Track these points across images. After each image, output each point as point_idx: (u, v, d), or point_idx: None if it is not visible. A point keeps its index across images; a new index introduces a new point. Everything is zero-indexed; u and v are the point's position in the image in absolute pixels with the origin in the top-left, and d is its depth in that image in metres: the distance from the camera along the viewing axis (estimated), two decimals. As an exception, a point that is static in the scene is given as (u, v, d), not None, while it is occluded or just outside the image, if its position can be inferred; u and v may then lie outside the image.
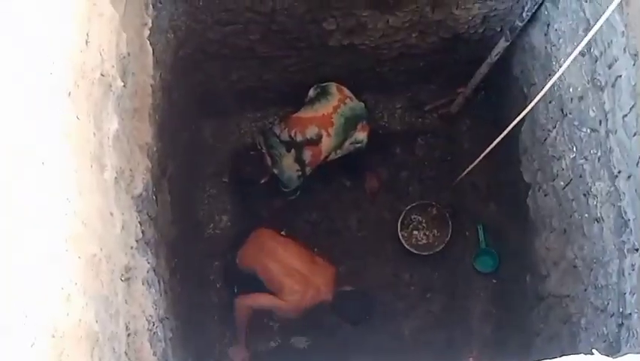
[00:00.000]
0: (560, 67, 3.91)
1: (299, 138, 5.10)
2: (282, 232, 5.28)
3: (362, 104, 5.31)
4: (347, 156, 5.32)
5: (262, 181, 5.22)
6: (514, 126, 4.70)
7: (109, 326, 2.37)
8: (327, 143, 5.14)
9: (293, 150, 5.10)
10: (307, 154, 5.11)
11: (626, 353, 1.50)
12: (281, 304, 4.91)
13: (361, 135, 5.28)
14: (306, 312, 4.98)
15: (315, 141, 5.11)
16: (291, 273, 4.93)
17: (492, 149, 4.45)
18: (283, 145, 5.11)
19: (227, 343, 5.29)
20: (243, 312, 5.06)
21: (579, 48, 3.35)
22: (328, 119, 5.14)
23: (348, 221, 5.84)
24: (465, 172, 5.03)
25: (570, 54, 3.79)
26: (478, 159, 4.62)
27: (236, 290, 5.22)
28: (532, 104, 3.79)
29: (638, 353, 1.53)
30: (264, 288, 4.98)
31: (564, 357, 1.49)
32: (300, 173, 5.15)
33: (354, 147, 5.29)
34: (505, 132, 4.11)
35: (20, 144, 1.90)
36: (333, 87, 5.22)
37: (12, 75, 1.98)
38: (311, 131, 5.10)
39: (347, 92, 5.25)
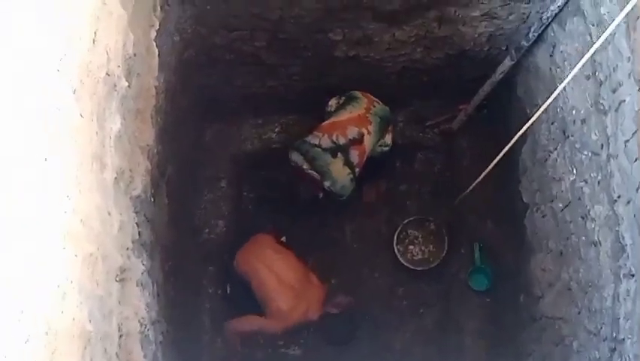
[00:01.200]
0: (565, 89, 3.94)
1: (342, 141, 5.01)
2: (283, 239, 5.28)
3: (387, 108, 5.30)
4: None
5: (320, 196, 5.12)
6: (515, 146, 4.73)
7: (102, 326, 2.37)
8: (368, 141, 5.10)
9: (339, 154, 4.99)
10: (354, 154, 5.02)
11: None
12: (267, 324, 4.92)
13: (389, 139, 5.30)
14: (292, 330, 4.98)
15: (359, 140, 5.05)
16: (283, 288, 4.93)
17: (492, 168, 4.46)
18: (327, 152, 4.99)
19: (218, 348, 5.26)
20: (232, 336, 5.14)
21: (579, 65, 3.36)
22: (365, 118, 5.11)
23: (344, 232, 5.83)
24: (467, 191, 5.03)
25: (575, 76, 3.82)
26: (480, 178, 4.62)
27: (228, 290, 5.21)
28: (533, 119, 3.81)
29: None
30: (254, 295, 4.98)
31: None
32: (351, 176, 5.03)
33: (382, 150, 5.29)
34: (505, 150, 4.12)
35: (24, 139, 1.89)
36: (358, 93, 5.21)
37: (18, 70, 1.98)
38: (352, 132, 5.04)
39: (371, 97, 5.25)
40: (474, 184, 4.79)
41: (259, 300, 4.96)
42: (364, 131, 5.07)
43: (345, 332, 4.98)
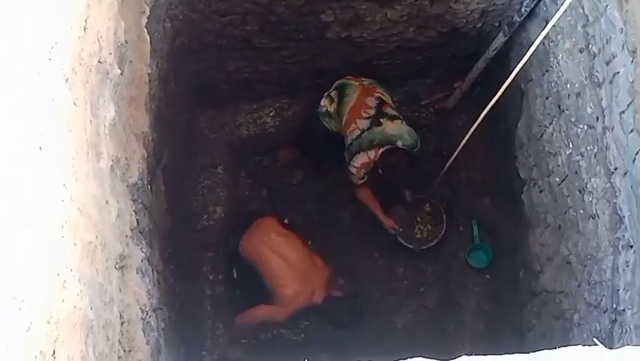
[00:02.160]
0: (559, 63, 3.94)
1: (372, 111, 5.05)
2: (285, 221, 5.29)
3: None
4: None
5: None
6: (510, 122, 4.74)
7: (103, 314, 2.36)
8: (388, 99, 5.18)
9: (381, 119, 5.01)
10: (389, 110, 5.09)
11: (623, 346, 1.50)
12: (274, 312, 4.97)
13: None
14: (297, 314, 5.04)
15: (383, 101, 5.11)
16: (290, 272, 4.96)
17: (489, 143, 4.47)
18: (373, 126, 5.00)
19: (219, 334, 5.28)
20: (243, 327, 5.24)
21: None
22: (368, 88, 5.16)
23: (342, 214, 5.84)
24: (446, 166, 5.05)
25: (568, 50, 3.82)
26: (457, 150, 4.64)
27: (235, 275, 5.24)
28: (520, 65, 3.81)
29: (635, 345, 1.54)
30: (261, 278, 5.01)
31: (563, 348, 1.49)
32: (404, 122, 5.09)
33: None
34: (481, 117, 4.13)
35: (19, 129, 1.89)
36: (342, 80, 5.23)
37: (10, 59, 1.97)
38: (371, 101, 5.08)
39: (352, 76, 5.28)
40: (453, 157, 4.82)
41: (267, 284, 5.00)
42: (378, 94, 5.13)
43: (349, 316, 5.00)
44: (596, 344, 1.46)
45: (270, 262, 4.97)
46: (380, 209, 5.42)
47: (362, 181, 5.15)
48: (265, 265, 4.98)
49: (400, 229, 5.53)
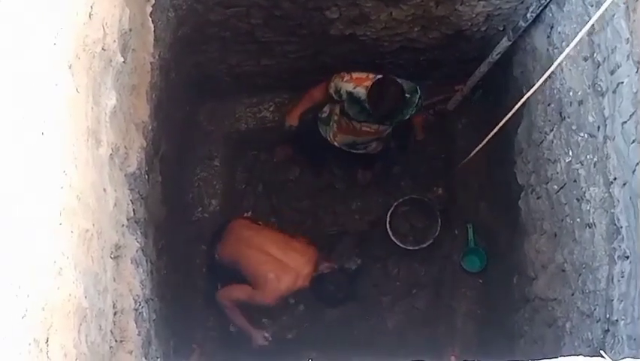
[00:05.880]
0: (562, 70, 3.92)
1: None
2: (259, 223, 5.29)
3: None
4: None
5: None
6: (510, 127, 4.72)
7: (97, 303, 2.35)
8: None
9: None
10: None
11: (624, 358, 1.49)
12: (255, 294, 4.92)
13: None
14: (284, 299, 5.01)
15: None
16: (267, 260, 4.93)
17: (487, 148, 4.45)
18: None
19: (210, 327, 5.27)
20: (226, 305, 5.12)
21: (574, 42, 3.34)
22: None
23: (337, 212, 5.83)
24: (466, 159, 4.96)
25: (572, 57, 3.80)
26: (480, 146, 4.57)
27: (219, 287, 5.21)
28: (531, 91, 3.77)
29: (635, 357, 1.53)
30: (243, 280, 4.99)
31: (564, 358, 1.48)
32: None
33: None
34: (505, 120, 4.08)
35: (21, 113, 1.87)
36: None
37: (14, 43, 1.95)
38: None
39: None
40: (474, 152, 4.75)
41: (250, 280, 4.97)
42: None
43: (339, 291, 4.91)
44: (602, 356, 1.45)
45: (247, 257, 4.98)
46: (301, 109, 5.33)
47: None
48: (244, 261, 4.98)
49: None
